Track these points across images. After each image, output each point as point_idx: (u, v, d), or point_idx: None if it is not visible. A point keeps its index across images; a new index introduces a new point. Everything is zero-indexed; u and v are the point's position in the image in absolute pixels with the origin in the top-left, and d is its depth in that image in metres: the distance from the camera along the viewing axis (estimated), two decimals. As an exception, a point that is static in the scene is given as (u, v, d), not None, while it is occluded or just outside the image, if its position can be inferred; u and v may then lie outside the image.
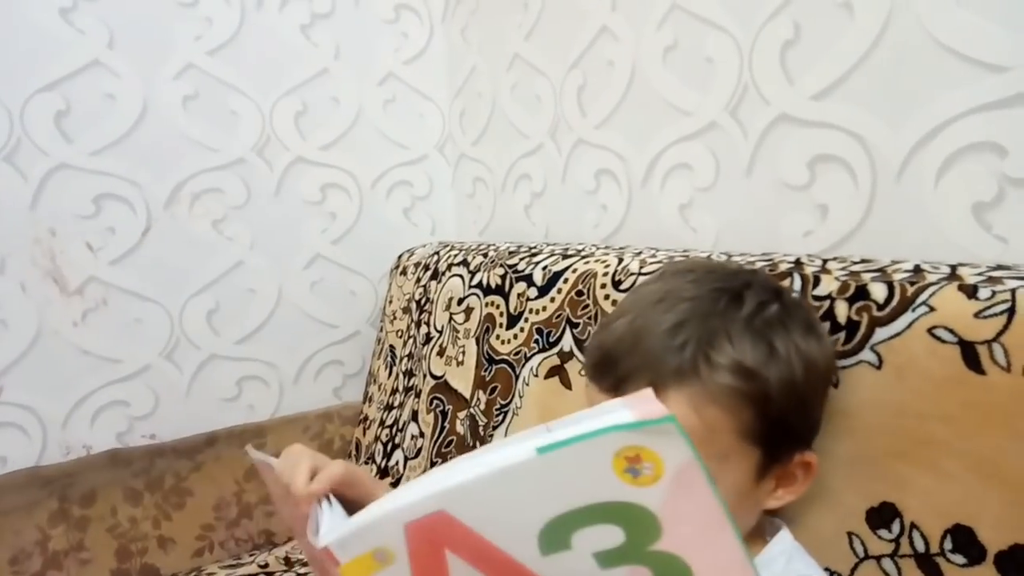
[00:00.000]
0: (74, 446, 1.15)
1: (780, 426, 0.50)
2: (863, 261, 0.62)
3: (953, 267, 0.55)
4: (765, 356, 0.48)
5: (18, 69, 1.05)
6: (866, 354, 0.54)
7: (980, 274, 0.52)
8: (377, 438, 1.20)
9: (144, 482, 1.14)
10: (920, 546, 0.51)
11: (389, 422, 1.18)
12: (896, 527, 0.52)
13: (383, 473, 1.14)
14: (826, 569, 0.55)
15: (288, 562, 1.09)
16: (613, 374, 0.51)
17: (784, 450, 0.51)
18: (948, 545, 0.49)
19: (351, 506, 0.46)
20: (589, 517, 0.33)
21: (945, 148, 0.65)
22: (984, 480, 0.48)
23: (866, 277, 0.57)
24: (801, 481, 0.53)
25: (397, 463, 1.12)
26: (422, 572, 0.36)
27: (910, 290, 0.53)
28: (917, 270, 0.56)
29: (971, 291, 0.50)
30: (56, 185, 1.09)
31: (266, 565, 1.09)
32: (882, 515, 0.53)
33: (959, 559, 0.49)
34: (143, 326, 1.18)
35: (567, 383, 0.82)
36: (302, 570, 1.05)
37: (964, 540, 0.48)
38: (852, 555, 0.55)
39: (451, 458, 0.99)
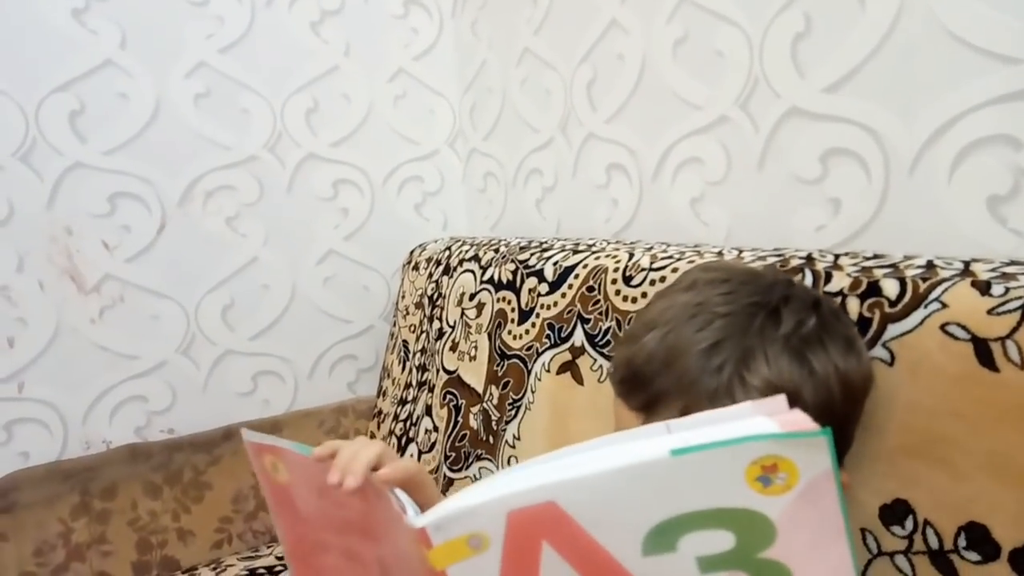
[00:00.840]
0: (94, 441, 1.17)
1: None
2: (875, 256, 0.62)
3: (966, 263, 0.55)
4: (803, 378, 0.47)
5: (32, 70, 1.06)
6: (878, 351, 0.54)
7: (994, 270, 0.52)
8: (391, 432, 1.21)
9: (163, 476, 1.16)
10: (934, 543, 0.51)
11: (403, 416, 1.19)
12: (909, 524, 0.52)
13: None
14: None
15: (305, 555, 1.11)
16: (645, 392, 0.49)
17: None
18: (962, 542, 0.49)
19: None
20: (704, 521, 0.32)
21: (959, 141, 0.65)
22: (998, 478, 0.47)
23: (878, 273, 0.57)
24: None
25: (411, 457, 1.12)
26: (513, 564, 0.35)
27: (923, 286, 0.53)
28: (930, 266, 0.56)
29: (984, 287, 0.50)
30: (71, 184, 1.11)
31: (283, 557, 1.11)
32: (895, 512, 0.53)
33: (973, 556, 0.49)
34: (159, 322, 1.20)
35: (579, 378, 0.83)
36: (319, 563, 1.06)
37: (978, 537, 0.48)
38: (866, 552, 0.55)
39: (465, 452, 1.00)
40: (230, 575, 1.09)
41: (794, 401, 0.46)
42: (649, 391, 0.49)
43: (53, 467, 1.10)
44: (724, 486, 0.31)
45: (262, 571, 1.09)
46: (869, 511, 0.54)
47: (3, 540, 1.04)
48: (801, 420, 0.31)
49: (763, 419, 0.31)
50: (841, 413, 0.50)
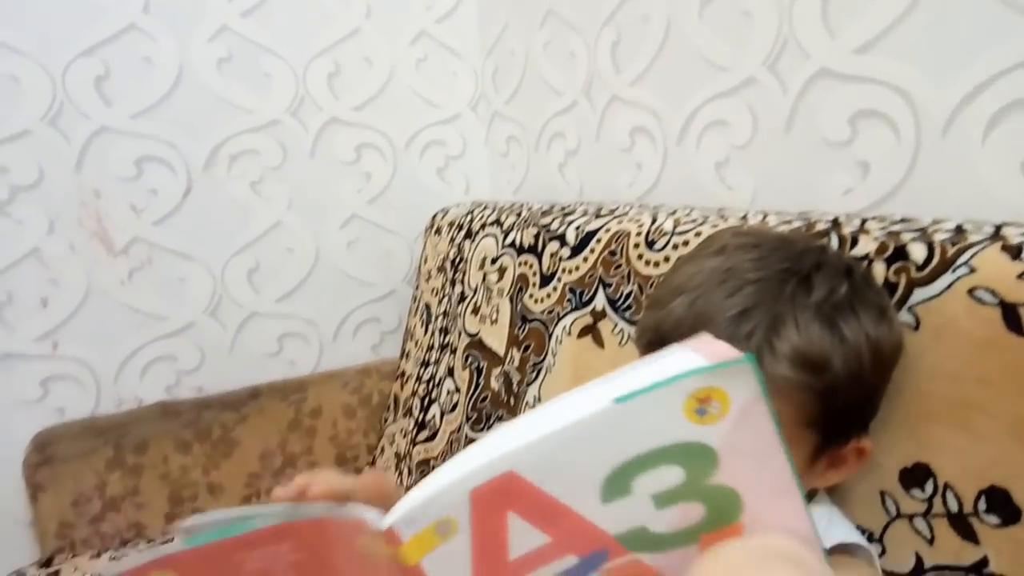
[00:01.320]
0: (126, 398, 1.20)
1: (842, 415, 0.48)
2: (903, 220, 0.61)
3: (997, 227, 0.54)
4: (834, 346, 0.46)
5: (58, 35, 1.07)
6: (903, 316, 0.54)
7: (1025, 234, 0.51)
8: (414, 393, 1.23)
9: (193, 432, 1.19)
10: (953, 506, 0.51)
11: (426, 378, 1.21)
12: (929, 487, 0.52)
13: (420, 427, 1.17)
14: (857, 527, 0.55)
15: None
16: None
17: (842, 435, 0.50)
18: (982, 506, 0.49)
19: None
20: (652, 460, 0.33)
21: (994, 103, 0.63)
22: (1021, 442, 0.47)
23: (905, 237, 0.56)
24: (852, 464, 0.52)
25: (434, 417, 1.15)
26: (483, 540, 0.35)
27: (951, 250, 0.52)
28: (959, 230, 0.55)
29: (1015, 251, 0.49)
30: (99, 148, 1.12)
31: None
32: (915, 475, 0.53)
33: (993, 519, 0.49)
34: (187, 284, 1.22)
35: (600, 342, 0.83)
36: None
37: (999, 501, 0.48)
38: (884, 514, 0.55)
39: (486, 412, 1.01)
40: (259, 529, 1.12)
41: (824, 369, 0.46)
42: None
43: (88, 423, 1.14)
44: (666, 424, 0.32)
45: (289, 526, 1.12)
46: (889, 474, 0.55)
47: (43, 491, 1.08)
48: (725, 351, 0.32)
49: (692, 354, 0.32)
50: (870, 382, 0.49)
